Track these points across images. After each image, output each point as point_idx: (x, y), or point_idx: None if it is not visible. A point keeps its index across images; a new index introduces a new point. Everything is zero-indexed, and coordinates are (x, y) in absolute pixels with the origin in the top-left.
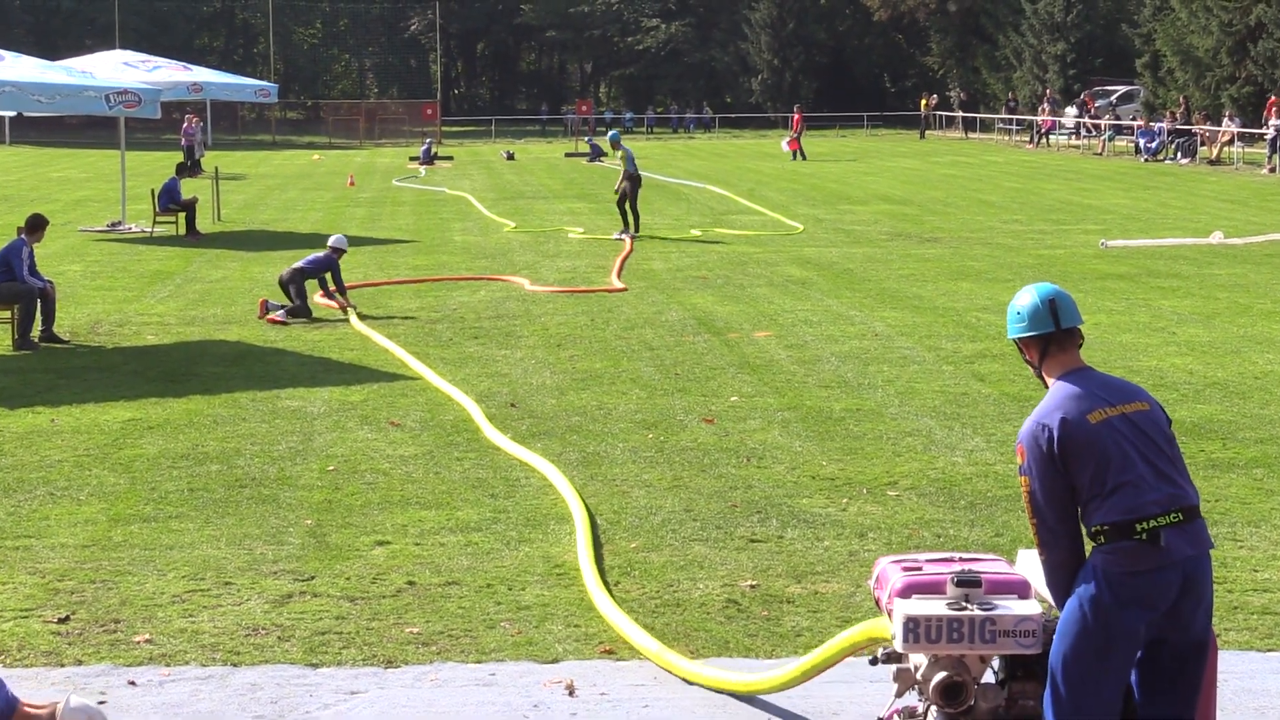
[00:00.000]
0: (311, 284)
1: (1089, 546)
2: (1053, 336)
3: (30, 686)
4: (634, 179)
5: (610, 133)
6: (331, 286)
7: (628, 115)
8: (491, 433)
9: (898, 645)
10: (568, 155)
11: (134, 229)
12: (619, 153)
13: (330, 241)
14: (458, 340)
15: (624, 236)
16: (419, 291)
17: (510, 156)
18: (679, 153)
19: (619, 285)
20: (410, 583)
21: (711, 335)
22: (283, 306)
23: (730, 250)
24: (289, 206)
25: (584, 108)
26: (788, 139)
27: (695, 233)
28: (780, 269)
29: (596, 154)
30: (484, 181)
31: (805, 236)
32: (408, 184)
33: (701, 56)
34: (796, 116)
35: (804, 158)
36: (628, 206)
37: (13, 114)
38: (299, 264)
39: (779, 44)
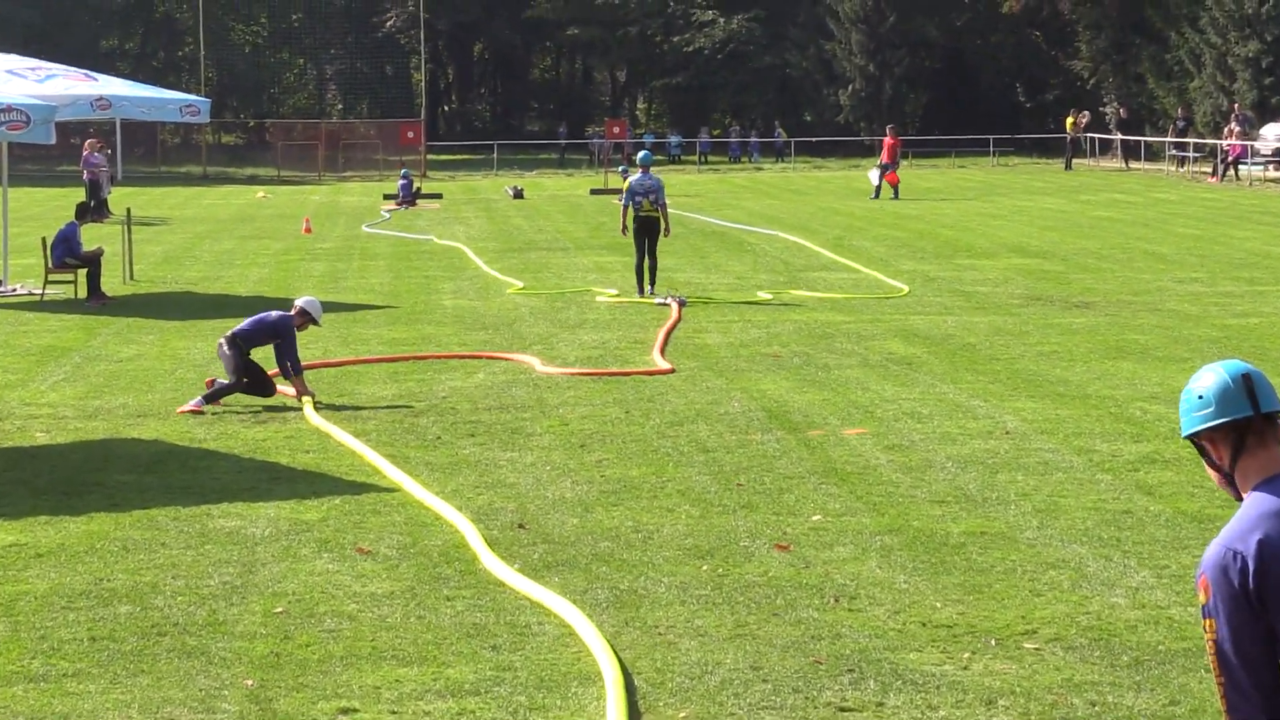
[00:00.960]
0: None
1: None
2: (1250, 426)
3: None
4: (647, 221)
5: (641, 154)
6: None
7: (673, 139)
8: (493, 563)
9: None
10: (594, 192)
11: (18, 290)
12: (636, 180)
13: (298, 302)
14: (448, 439)
15: (670, 300)
16: (397, 373)
17: (518, 194)
18: (742, 189)
19: (663, 365)
20: None
21: (786, 432)
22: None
23: (811, 319)
24: (224, 261)
25: (616, 129)
26: (878, 170)
27: (764, 295)
28: (878, 344)
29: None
30: (483, 227)
31: (912, 300)
32: (382, 230)
33: (772, 61)
34: (888, 141)
35: (895, 195)
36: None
37: None
38: (239, 325)
39: (875, 44)
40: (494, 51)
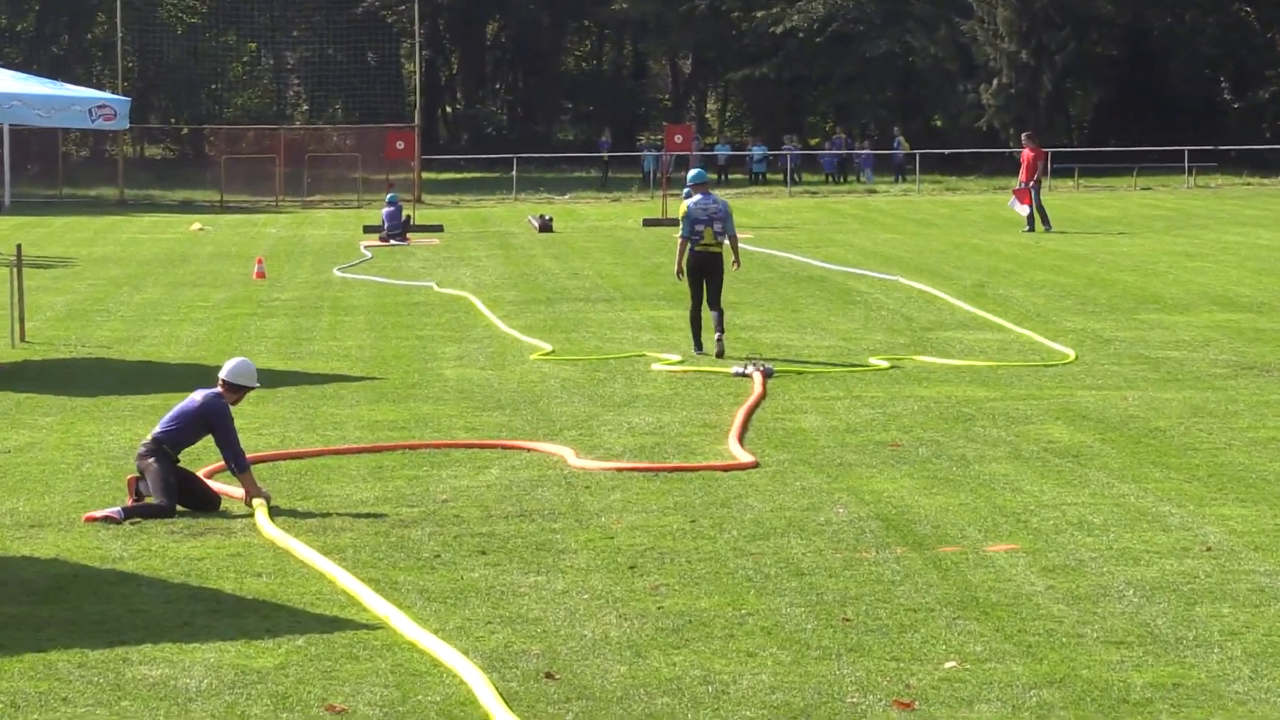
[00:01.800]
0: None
1: None
2: None
3: None
4: (708, 257)
5: (693, 170)
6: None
7: (756, 150)
8: None
9: None
10: (649, 223)
11: None
12: (695, 203)
13: (223, 372)
14: (451, 558)
15: (752, 370)
16: (381, 468)
17: (545, 226)
18: (849, 218)
19: (743, 457)
20: None
21: (909, 549)
22: (138, 500)
23: (943, 395)
24: (148, 316)
25: (678, 138)
26: (1017, 192)
27: (879, 363)
28: (1034, 429)
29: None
30: (498, 270)
31: (1079, 370)
32: (362, 274)
33: (890, 46)
34: (1027, 154)
35: (1047, 225)
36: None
37: None
38: (159, 424)
39: (1029, 23)
40: (513, 34)
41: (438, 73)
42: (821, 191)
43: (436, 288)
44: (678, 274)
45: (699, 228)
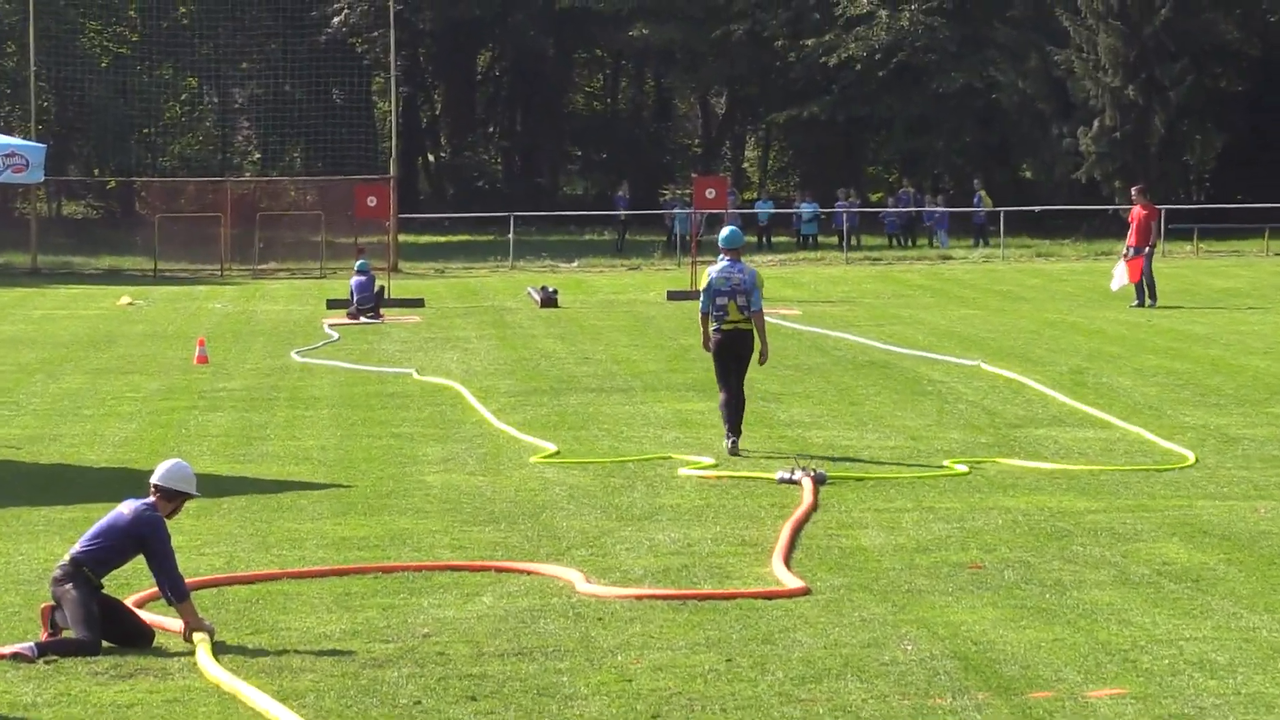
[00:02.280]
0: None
1: None
2: None
3: None
4: (735, 336)
5: (725, 230)
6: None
7: (805, 207)
8: None
9: None
10: (675, 296)
11: None
12: (717, 272)
13: (157, 477)
14: (434, 705)
15: (800, 475)
16: (349, 595)
17: (549, 299)
18: (919, 290)
19: (790, 583)
20: None
21: (991, 693)
22: (51, 635)
23: (1033, 505)
24: (67, 410)
25: (711, 191)
26: (1124, 260)
27: (956, 467)
28: (1144, 546)
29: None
30: (492, 353)
31: (1200, 475)
32: (326, 359)
33: (967, 81)
34: (1138, 212)
35: (1153, 298)
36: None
37: None
38: (79, 542)
39: (1136, 55)
40: (510, 66)
41: (418, 113)
42: (885, 258)
43: (416, 375)
44: (705, 344)
45: (721, 301)
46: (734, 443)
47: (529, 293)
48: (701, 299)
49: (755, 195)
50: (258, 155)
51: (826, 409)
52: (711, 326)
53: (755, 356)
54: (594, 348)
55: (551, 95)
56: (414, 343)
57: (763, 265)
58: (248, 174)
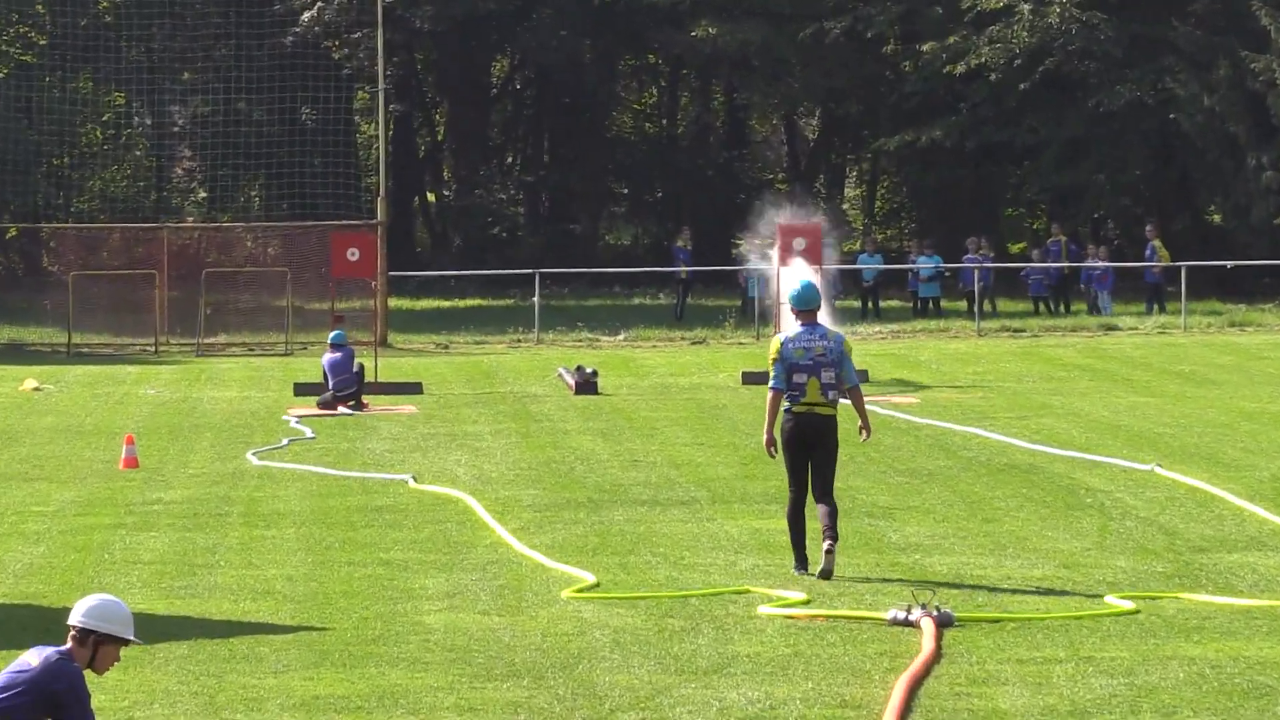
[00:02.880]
0: None
1: None
2: None
3: None
4: (814, 422)
5: (796, 286)
6: None
7: (923, 261)
8: None
9: None
10: (751, 380)
11: None
12: (793, 340)
13: (76, 617)
14: None
15: (917, 615)
16: None
17: (586, 382)
18: (1073, 370)
19: None
20: None
21: None
22: None
23: (1226, 655)
24: None
25: (799, 241)
26: None
27: (1121, 604)
28: None
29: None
30: (511, 454)
31: None
32: (291, 463)
33: (1136, 95)
34: None
35: None
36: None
37: None
38: None
39: None
40: (534, 77)
41: (414, 138)
42: (1029, 328)
43: (413, 483)
44: (767, 447)
45: (799, 378)
46: (828, 550)
47: (560, 374)
48: (773, 372)
49: (858, 246)
50: (203, 194)
51: (953, 527)
52: (784, 408)
53: (859, 432)
54: (646, 447)
55: (590, 115)
56: (409, 440)
57: (870, 338)
58: (190, 219)
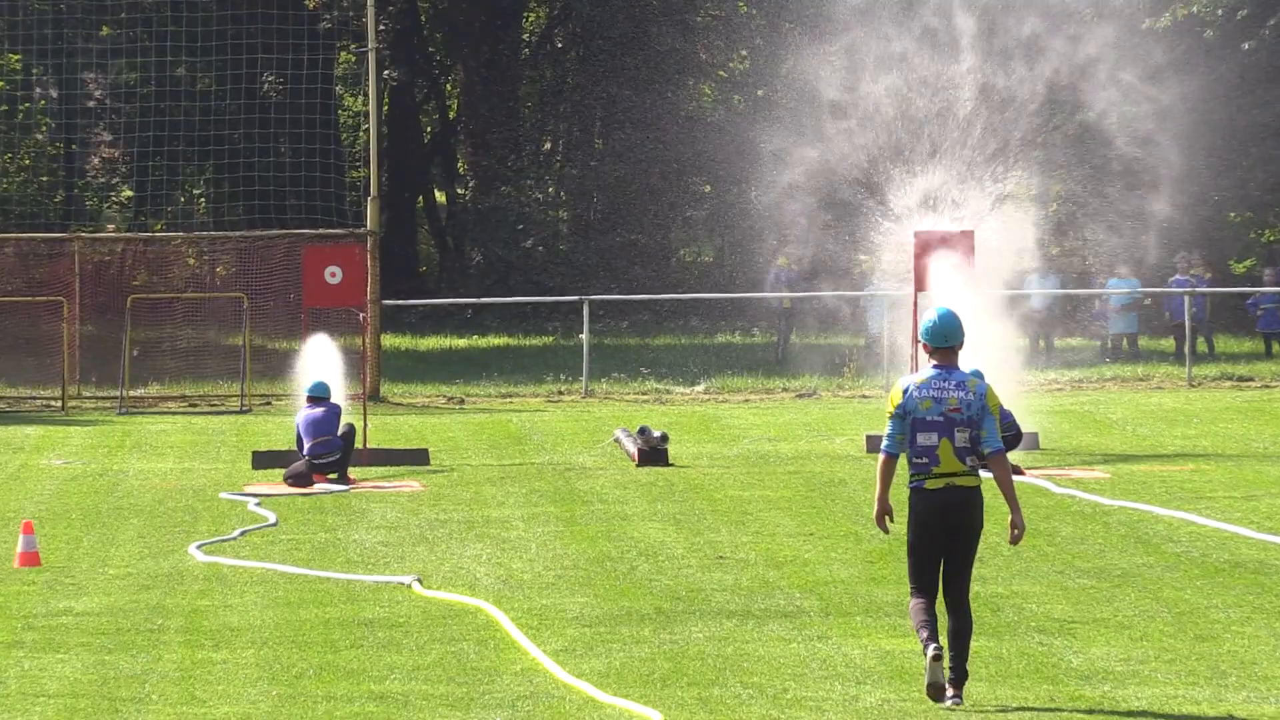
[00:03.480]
0: None
1: None
2: None
3: None
4: (949, 499)
5: (932, 315)
6: None
7: (1114, 286)
8: None
9: None
10: (876, 445)
11: None
12: (919, 387)
13: None
14: None
15: None
16: None
17: (654, 449)
18: None
19: None
20: None
21: None
22: None
23: None
24: None
25: (938, 253)
26: None
27: None
28: None
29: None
30: (551, 548)
31: None
32: (250, 561)
33: None
34: None
35: None
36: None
37: None
38: None
39: None
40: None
41: (416, 117)
42: (1258, 376)
43: (419, 587)
44: (879, 519)
45: (927, 439)
46: (952, 688)
47: (618, 439)
48: (888, 433)
49: (1025, 265)
50: (128, 193)
51: (1154, 648)
52: (909, 482)
53: (1011, 529)
54: (734, 538)
55: (657, 84)
56: (410, 529)
57: (1042, 388)
58: (111, 226)
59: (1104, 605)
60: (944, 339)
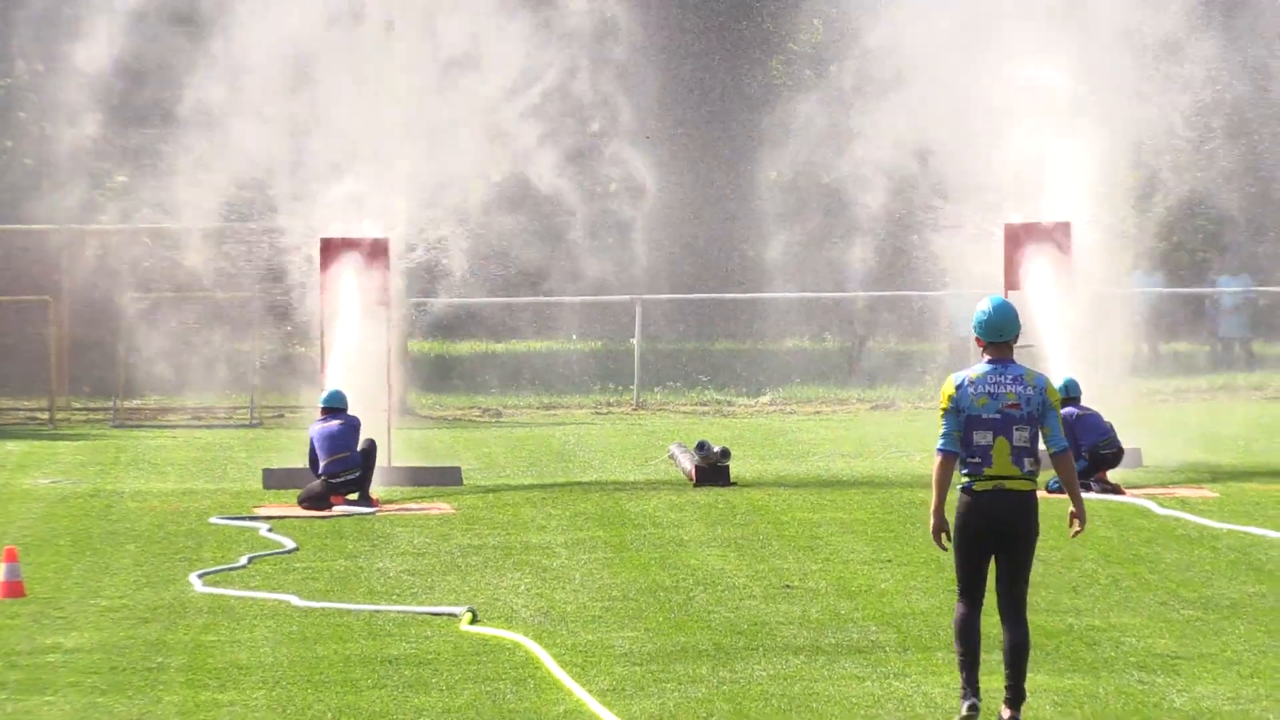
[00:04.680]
0: None
1: None
2: None
3: None
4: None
5: (986, 305)
6: None
7: (1226, 280)
8: None
9: None
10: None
11: None
12: (974, 383)
13: None
14: None
15: None
16: None
17: (713, 466)
18: None
19: None
20: None
21: None
22: None
23: None
24: None
25: (1033, 246)
26: None
27: None
28: None
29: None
30: (599, 577)
31: None
32: (259, 592)
33: None
34: None
35: None
36: None
37: None
38: None
39: None
40: None
41: None
42: None
43: (463, 622)
44: (936, 535)
45: (982, 438)
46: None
47: (673, 455)
48: (943, 431)
49: (1128, 261)
50: (122, 177)
51: (1266, 685)
52: (959, 484)
53: (1073, 524)
54: (803, 565)
55: (734, 54)
56: (441, 555)
57: (1144, 398)
58: (104, 217)
59: (1211, 639)
60: (999, 333)
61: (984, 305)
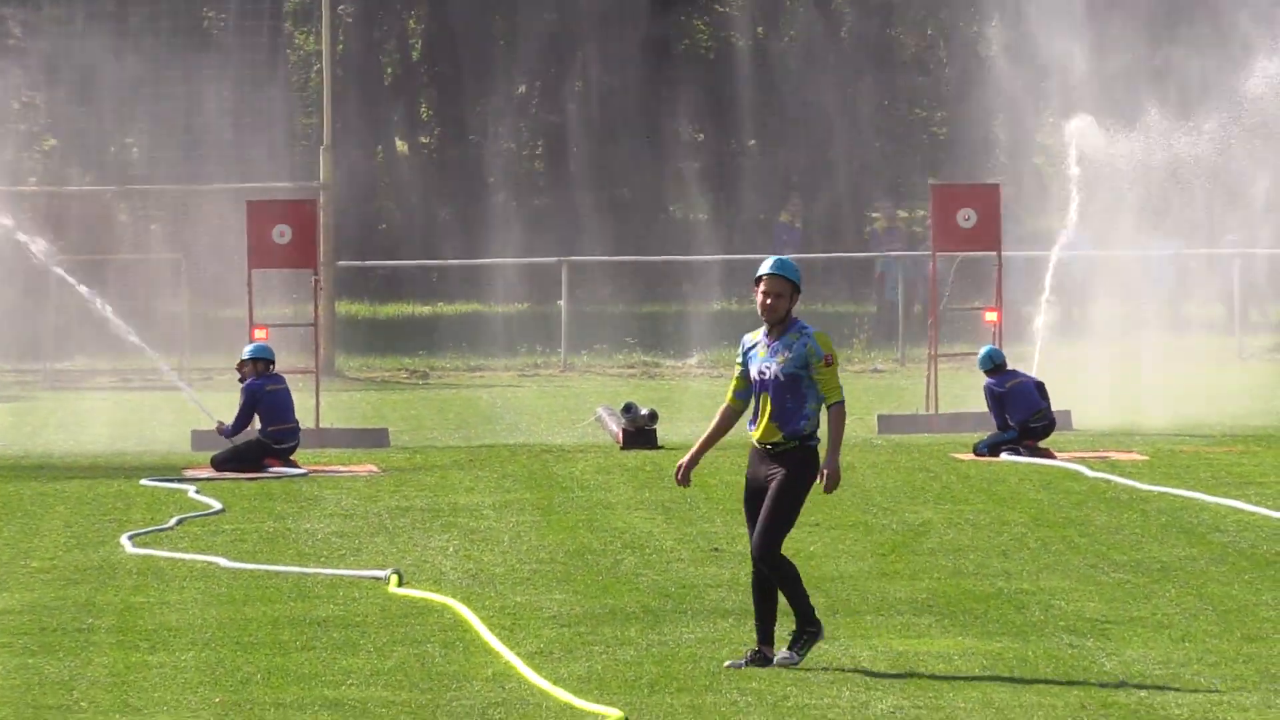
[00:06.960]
0: None
1: None
2: None
3: None
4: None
5: (770, 260)
6: None
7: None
8: None
9: None
10: (890, 425)
11: None
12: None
13: None
14: None
15: None
16: None
17: (641, 428)
18: None
19: None
20: None
21: None
22: None
23: None
24: None
25: (964, 211)
26: None
27: None
28: None
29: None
30: (526, 538)
31: None
32: (188, 553)
33: None
34: None
35: None
36: None
37: None
38: None
39: None
40: None
41: (376, 54)
42: None
43: (393, 585)
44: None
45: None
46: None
47: (600, 418)
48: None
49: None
50: (51, 141)
51: (1198, 649)
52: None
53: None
54: (730, 528)
55: (645, 21)
56: (369, 517)
57: (1068, 362)
58: (33, 180)
59: (1141, 602)
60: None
61: (767, 261)
